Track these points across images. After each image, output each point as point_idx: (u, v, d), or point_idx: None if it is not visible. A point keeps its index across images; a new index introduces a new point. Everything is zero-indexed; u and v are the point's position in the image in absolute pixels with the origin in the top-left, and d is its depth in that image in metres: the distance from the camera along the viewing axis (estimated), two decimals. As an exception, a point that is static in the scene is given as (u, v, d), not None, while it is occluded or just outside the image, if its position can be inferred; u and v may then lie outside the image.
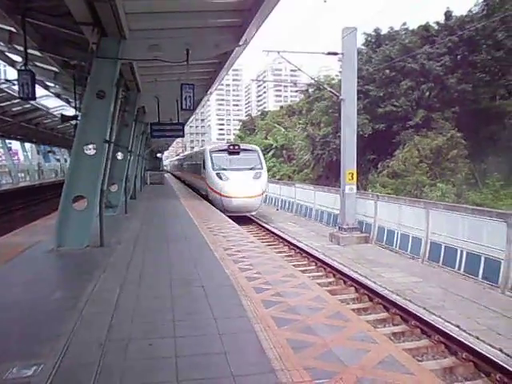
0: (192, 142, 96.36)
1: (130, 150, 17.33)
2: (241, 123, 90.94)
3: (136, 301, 5.78)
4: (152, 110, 18.56)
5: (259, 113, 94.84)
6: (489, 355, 6.66)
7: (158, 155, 49.74)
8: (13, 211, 24.98)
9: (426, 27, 35.38)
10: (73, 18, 8.54)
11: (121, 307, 5.52)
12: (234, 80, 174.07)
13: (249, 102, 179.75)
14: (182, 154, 66.14)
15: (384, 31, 39.84)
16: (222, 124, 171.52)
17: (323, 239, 17.41)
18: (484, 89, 31.42)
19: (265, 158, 25.12)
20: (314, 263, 13.35)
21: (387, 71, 33.76)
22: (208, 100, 30.95)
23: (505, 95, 31.44)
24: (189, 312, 5.34)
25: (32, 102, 20.18)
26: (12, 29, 10.24)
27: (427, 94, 33.14)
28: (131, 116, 16.73)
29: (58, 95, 19.97)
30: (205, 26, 10.67)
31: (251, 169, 21.20)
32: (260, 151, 23.13)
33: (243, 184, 20.17)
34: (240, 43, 10.99)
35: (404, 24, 39.11)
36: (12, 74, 14.64)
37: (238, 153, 21.99)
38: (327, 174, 38.51)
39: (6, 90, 19.27)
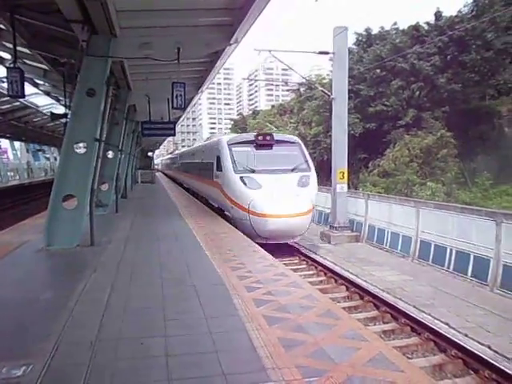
0: (183, 140, 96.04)
1: (121, 148, 17.24)
2: (232, 122, 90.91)
3: (127, 300, 5.75)
4: (143, 109, 18.47)
5: (251, 112, 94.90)
6: (478, 352, 6.73)
7: (149, 154, 49.44)
8: (2, 210, 24.72)
9: (416, 27, 35.67)
10: (62, 15, 8.48)
11: (111, 307, 5.49)
12: (225, 79, 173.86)
13: (240, 101, 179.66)
14: (177, 151, 53.91)
15: (375, 31, 40.10)
16: (214, 123, 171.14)
17: (314, 238, 17.45)
18: (473, 89, 31.77)
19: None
20: (305, 262, 13.40)
21: (378, 71, 34.00)
22: (199, 99, 30.48)
23: (494, 95, 31.82)
24: (180, 311, 5.34)
25: (21, 99, 19.94)
26: (1, 26, 10.12)
27: (417, 93, 33.41)
28: (122, 114, 16.63)
29: (47, 93, 19.76)
30: (196, 24, 10.62)
31: (293, 170, 14.11)
32: (302, 144, 15.85)
33: (285, 195, 13.08)
34: (231, 42, 10.97)
35: (395, 24, 39.49)
36: (1, 71, 14.47)
37: (270, 146, 14.67)
38: (318, 173, 38.55)
39: (-5, 87, 19.03)
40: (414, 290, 10.58)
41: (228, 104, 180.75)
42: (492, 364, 6.31)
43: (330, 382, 3.59)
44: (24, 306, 5.61)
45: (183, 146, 58.72)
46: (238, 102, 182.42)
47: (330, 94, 18.80)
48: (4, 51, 12.68)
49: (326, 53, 18.64)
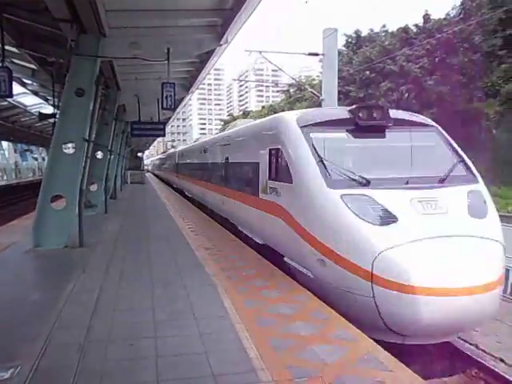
0: (173, 141, 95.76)
1: (110, 148, 17.14)
2: (222, 123, 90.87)
3: (116, 301, 5.71)
4: (132, 109, 18.38)
5: (241, 112, 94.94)
6: (464, 351, 6.76)
7: (139, 154, 49.25)
8: (-12, 211, 24.38)
9: (405, 29, 36.01)
10: (51, 14, 8.41)
11: (101, 308, 5.45)
12: (215, 79, 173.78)
13: (230, 102, 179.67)
14: (172, 150, 43.52)
15: (364, 33, 40.39)
16: (204, 123, 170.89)
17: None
18: (461, 91, 32.10)
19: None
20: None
21: (367, 72, 34.26)
22: (189, 99, 30.41)
23: (482, 97, 32.16)
24: (170, 312, 5.32)
25: (9, 99, 19.73)
26: (-12, 24, 10.01)
27: (406, 95, 33.73)
28: (111, 114, 16.54)
29: (35, 93, 19.61)
30: (186, 24, 10.63)
31: (446, 181, 6.72)
32: (440, 128, 7.90)
33: (453, 240, 5.72)
34: (221, 43, 10.98)
35: (384, 26, 39.78)
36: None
37: (383, 130, 7.33)
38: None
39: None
40: None
41: (218, 104, 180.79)
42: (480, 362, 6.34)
43: (319, 382, 3.60)
44: (11, 307, 5.55)
45: (173, 147, 56.33)
46: (228, 103, 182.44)
47: (319, 95, 18.90)
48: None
49: (316, 54, 18.75)
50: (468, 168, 7.35)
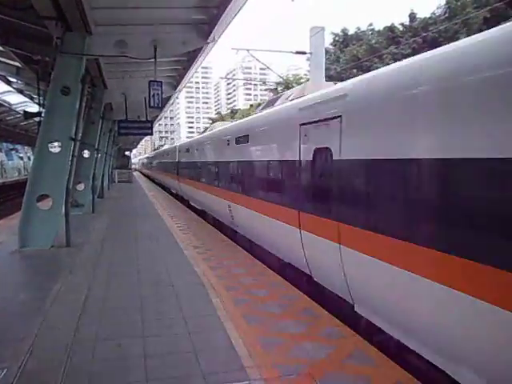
0: (161, 139, 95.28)
1: (97, 147, 17.00)
2: (210, 121, 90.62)
3: (104, 301, 5.68)
4: (119, 108, 18.24)
5: (229, 111, 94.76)
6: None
7: (127, 153, 48.92)
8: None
9: (391, 28, 36.21)
10: (36, 11, 8.30)
11: (88, 308, 5.41)
12: (203, 77, 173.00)
13: (218, 100, 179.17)
14: (181, 142, 32.34)
15: (351, 31, 40.57)
16: (192, 122, 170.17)
17: None
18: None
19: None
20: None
21: (354, 71, 34.37)
22: (177, 98, 30.09)
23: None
24: (158, 311, 5.30)
25: (-7, 97, 19.51)
26: (-29, 22, 9.86)
27: (393, 93, 33.96)
28: (98, 113, 16.40)
29: (20, 91, 19.35)
30: (172, 22, 10.57)
31: None
32: None
33: None
34: (208, 41, 10.93)
35: (370, 25, 39.97)
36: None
37: None
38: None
39: (-35, 85, 18.52)
40: None
41: (206, 103, 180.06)
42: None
43: (308, 379, 3.62)
44: (-3, 309, 5.49)
45: (161, 146, 53.55)
46: (216, 101, 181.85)
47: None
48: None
49: (303, 53, 18.78)
50: None
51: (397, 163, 4.10)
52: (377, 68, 32.73)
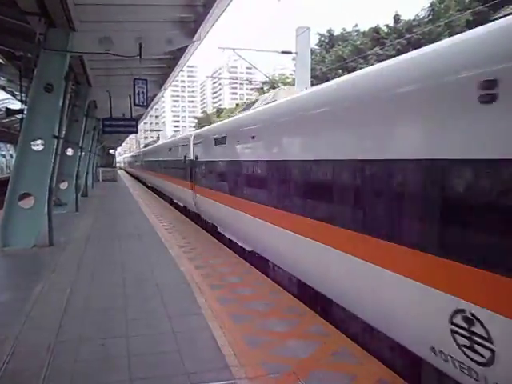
0: (146, 138, 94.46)
1: (81, 145, 16.81)
2: (196, 120, 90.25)
3: (87, 301, 5.62)
4: (104, 105, 18.04)
5: (215, 110, 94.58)
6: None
7: (111, 151, 48.41)
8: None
9: (376, 29, 36.51)
10: (18, 6, 8.17)
11: (71, 308, 5.35)
12: (189, 76, 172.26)
13: (204, 99, 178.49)
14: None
15: (337, 32, 40.79)
16: (178, 121, 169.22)
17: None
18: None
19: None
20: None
21: (340, 71, 34.58)
22: (163, 96, 29.73)
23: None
24: (142, 310, 5.27)
25: (-27, 94, 19.14)
26: (-49, 16, 9.66)
27: (378, 94, 34.28)
28: (82, 111, 16.23)
29: (2, 87, 19.04)
30: (157, 19, 10.50)
31: None
32: None
33: None
34: (194, 39, 10.90)
35: (356, 26, 40.24)
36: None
37: None
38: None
39: None
40: None
41: (192, 102, 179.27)
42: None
43: (292, 377, 3.64)
44: (-23, 309, 5.39)
45: (147, 145, 50.37)
46: (201, 100, 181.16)
47: (293, 93, 18.98)
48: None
49: (289, 52, 18.83)
50: None
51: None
52: (362, 68, 33.00)
